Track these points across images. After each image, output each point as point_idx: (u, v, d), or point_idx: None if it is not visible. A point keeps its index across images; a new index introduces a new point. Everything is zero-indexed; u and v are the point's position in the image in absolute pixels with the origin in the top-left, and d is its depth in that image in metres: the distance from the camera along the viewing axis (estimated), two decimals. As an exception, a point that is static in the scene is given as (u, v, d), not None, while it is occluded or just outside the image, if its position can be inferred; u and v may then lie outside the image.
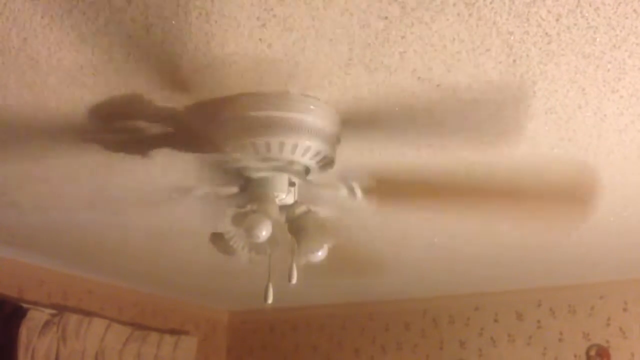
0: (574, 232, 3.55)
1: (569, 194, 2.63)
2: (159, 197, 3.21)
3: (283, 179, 2.42)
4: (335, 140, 2.38)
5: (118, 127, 2.52)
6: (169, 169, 2.85)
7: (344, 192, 2.44)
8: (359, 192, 2.40)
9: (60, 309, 4.24)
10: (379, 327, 5.10)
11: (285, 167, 2.40)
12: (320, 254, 2.48)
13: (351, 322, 5.20)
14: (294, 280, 2.43)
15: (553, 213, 2.81)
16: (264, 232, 2.26)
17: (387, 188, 2.42)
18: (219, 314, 5.46)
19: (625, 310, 4.43)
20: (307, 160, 2.35)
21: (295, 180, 2.44)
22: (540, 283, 4.60)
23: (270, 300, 2.50)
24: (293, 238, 2.48)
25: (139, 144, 2.68)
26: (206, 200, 2.93)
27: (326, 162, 2.39)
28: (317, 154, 2.34)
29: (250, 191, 2.42)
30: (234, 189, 2.51)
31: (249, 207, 2.32)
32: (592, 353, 4.46)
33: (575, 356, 4.50)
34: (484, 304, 4.82)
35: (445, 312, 4.92)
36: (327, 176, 2.47)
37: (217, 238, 2.44)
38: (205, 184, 2.75)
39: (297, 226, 2.46)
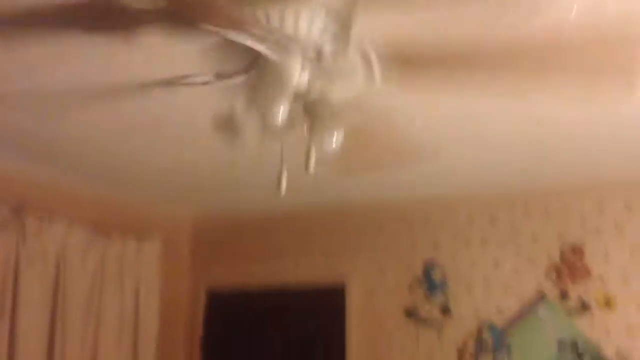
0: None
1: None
2: (138, 88, 2.94)
3: (295, 61, 2.19)
4: (350, 14, 2.15)
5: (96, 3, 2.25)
6: (158, 54, 2.57)
7: (361, 75, 2.21)
8: (377, 74, 2.19)
9: (19, 209, 3.96)
10: (351, 229, 4.98)
11: (298, 47, 2.18)
12: (334, 142, 2.30)
13: (321, 225, 5.06)
14: (312, 169, 2.24)
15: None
16: (281, 115, 2.06)
17: (409, 65, 2.21)
18: (182, 219, 5.25)
19: (601, 211, 4.41)
20: (320, 37, 2.14)
21: (308, 63, 2.22)
22: (515, 185, 4.52)
23: (283, 191, 2.32)
24: (306, 125, 2.29)
25: (122, 22, 2.40)
26: (198, 90, 2.68)
27: (340, 40, 2.17)
28: (332, 32, 2.13)
29: (260, 75, 2.18)
30: (240, 76, 2.26)
31: (262, 90, 2.10)
32: (566, 251, 4.45)
33: (549, 256, 4.48)
34: (459, 207, 4.74)
35: (420, 214, 4.82)
36: (343, 57, 2.25)
37: (224, 122, 2.23)
38: (204, 71, 2.47)
39: (310, 112, 2.26)
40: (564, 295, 4.41)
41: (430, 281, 4.73)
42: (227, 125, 2.22)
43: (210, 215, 5.27)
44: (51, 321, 4.03)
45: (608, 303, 4.30)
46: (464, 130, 3.46)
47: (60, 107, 3.20)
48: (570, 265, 4.43)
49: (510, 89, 2.61)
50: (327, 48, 2.17)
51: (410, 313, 4.73)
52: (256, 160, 4.10)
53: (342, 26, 2.14)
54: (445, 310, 4.66)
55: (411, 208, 4.84)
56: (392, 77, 2.23)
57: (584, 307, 4.35)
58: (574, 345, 4.32)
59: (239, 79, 2.21)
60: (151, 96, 3.01)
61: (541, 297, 4.45)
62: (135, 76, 2.74)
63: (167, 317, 4.88)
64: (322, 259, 5.01)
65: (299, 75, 2.14)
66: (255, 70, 2.16)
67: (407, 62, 2.18)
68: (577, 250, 4.42)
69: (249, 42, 2.08)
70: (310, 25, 2.13)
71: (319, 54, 2.18)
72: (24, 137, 3.64)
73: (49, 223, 4.05)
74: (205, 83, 2.35)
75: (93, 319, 4.27)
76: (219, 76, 2.27)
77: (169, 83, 2.53)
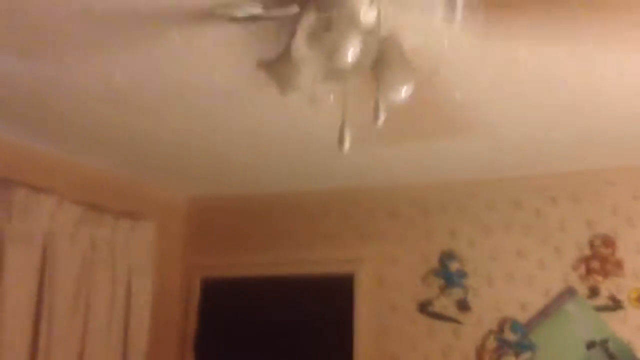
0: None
1: None
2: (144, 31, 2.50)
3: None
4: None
5: None
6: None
7: (439, 9, 1.84)
8: (460, 8, 1.81)
9: (5, 183, 3.54)
10: (360, 215, 4.61)
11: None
12: (404, 92, 1.93)
13: (328, 210, 4.67)
14: (381, 121, 1.88)
15: None
16: (352, 51, 1.69)
17: (496, 5, 1.85)
18: (178, 200, 4.84)
19: (635, 198, 4.09)
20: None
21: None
22: (541, 167, 4.19)
23: (347, 146, 1.95)
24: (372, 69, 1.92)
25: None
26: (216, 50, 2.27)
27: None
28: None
29: (321, 5, 1.80)
30: (293, 9, 1.87)
31: (329, 14, 1.71)
32: (597, 243, 4.12)
33: (577, 247, 4.15)
34: (478, 192, 4.39)
35: (436, 199, 4.47)
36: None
37: (277, 65, 1.84)
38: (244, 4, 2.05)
39: (379, 55, 1.89)
40: (593, 290, 4.09)
41: (446, 273, 4.38)
42: (279, 68, 1.84)
43: (208, 197, 4.87)
44: (37, 304, 3.63)
45: (642, 300, 4.00)
46: (511, 100, 3.10)
47: (53, 50, 2.75)
48: (600, 257, 4.11)
49: (595, 43, 2.27)
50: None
51: (425, 307, 4.38)
52: (259, 138, 3.76)
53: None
54: (463, 305, 4.31)
55: (426, 192, 4.49)
56: (474, 18, 1.86)
57: (616, 304, 4.03)
58: (605, 346, 3.99)
59: (293, 12, 1.83)
60: (168, 44, 2.58)
61: (569, 292, 4.13)
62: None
63: (160, 306, 4.48)
64: (329, 246, 4.63)
65: (368, 3, 1.77)
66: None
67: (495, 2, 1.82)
68: (609, 242, 4.10)
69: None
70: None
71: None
72: (13, 102, 3.23)
73: (37, 199, 3.62)
74: (251, 17, 1.96)
75: (82, 303, 3.88)
76: (269, 6, 1.88)
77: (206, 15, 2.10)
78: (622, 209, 4.10)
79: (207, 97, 3.18)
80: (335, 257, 4.60)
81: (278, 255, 4.69)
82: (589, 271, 4.12)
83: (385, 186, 4.51)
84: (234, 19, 1.96)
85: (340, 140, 1.94)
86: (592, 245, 4.13)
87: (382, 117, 1.88)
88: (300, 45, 1.76)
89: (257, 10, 1.88)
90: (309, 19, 1.73)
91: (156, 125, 3.63)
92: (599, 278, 4.09)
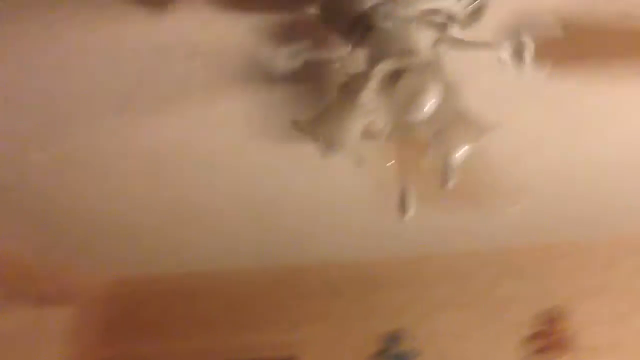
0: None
1: None
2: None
3: (424, 33, 1.56)
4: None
5: None
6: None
7: (506, 53, 1.60)
8: (529, 53, 1.58)
9: None
10: (300, 295, 4.26)
11: (427, 15, 1.55)
12: (462, 154, 1.66)
13: (265, 290, 4.31)
14: (452, 184, 1.59)
15: None
16: (433, 101, 1.42)
17: (577, 43, 1.64)
18: (95, 283, 4.32)
19: (584, 270, 3.97)
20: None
21: (440, 35, 1.58)
22: (491, 244, 4.02)
23: (411, 214, 1.64)
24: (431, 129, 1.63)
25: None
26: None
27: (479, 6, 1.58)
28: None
29: (380, 47, 1.51)
30: (343, 50, 1.56)
31: (403, 62, 1.43)
32: (549, 316, 3.97)
33: (529, 323, 3.97)
34: (424, 268, 4.16)
35: (379, 277, 4.20)
36: (482, 28, 1.61)
37: (322, 122, 1.53)
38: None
39: (442, 109, 1.61)
40: (548, 368, 3.91)
41: (396, 354, 4.08)
42: (323, 126, 1.53)
43: (129, 281, 4.39)
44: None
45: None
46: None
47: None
48: (553, 332, 3.95)
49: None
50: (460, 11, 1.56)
51: (374, 394, 4.05)
52: (178, 212, 3.42)
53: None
54: (416, 389, 4.02)
55: (370, 268, 4.22)
56: (546, 59, 1.63)
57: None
58: None
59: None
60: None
61: (525, 370, 3.93)
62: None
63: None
64: (267, 331, 4.25)
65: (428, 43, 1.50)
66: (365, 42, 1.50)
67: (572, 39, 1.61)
68: (561, 316, 3.95)
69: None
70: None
71: (450, 18, 1.56)
72: None
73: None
74: (300, 56, 1.64)
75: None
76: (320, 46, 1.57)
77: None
78: (572, 281, 3.98)
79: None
80: (273, 343, 4.22)
81: (210, 343, 4.24)
82: (544, 347, 3.94)
83: (324, 262, 4.20)
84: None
85: (401, 207, 1.63)
86: (544, 319, 3.97)
87: (453, 180, 1.59)
88: (369, 93, 1.45)
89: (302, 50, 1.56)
90: (381, 67, 1.43)
91: (73, 201, 3.23)
92: (554, 354, 3.92)
